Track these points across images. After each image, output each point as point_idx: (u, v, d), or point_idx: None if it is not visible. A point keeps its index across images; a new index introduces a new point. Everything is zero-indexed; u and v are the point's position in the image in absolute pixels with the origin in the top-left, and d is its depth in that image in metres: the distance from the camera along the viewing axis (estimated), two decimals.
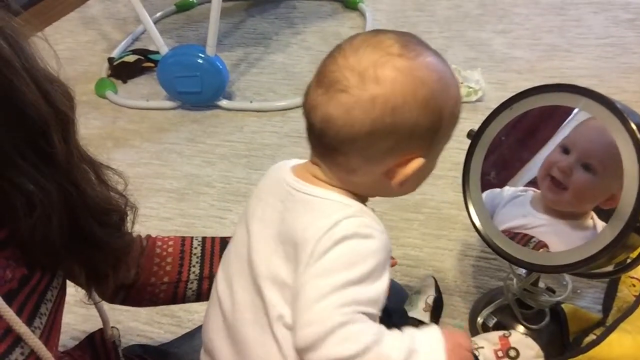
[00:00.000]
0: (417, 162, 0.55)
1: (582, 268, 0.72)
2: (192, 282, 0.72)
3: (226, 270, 0.61)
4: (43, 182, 0.46)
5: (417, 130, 0.53)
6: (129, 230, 0.60)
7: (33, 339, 0.46)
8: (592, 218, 0.79)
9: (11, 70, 0.43)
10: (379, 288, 0.52)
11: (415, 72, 0.52)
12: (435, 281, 0.89)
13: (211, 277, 0.73)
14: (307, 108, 0.55)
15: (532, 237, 0.80)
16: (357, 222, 0.53)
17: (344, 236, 0.51)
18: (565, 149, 0.79)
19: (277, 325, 0.53)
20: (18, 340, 0.45)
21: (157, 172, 1.47)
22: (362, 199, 0.59)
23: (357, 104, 0.51)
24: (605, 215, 0.72)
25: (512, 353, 0.71)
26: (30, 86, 0.44)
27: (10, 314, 0.44)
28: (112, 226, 0.56)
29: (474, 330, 0.96)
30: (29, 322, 0.47)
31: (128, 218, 0.59)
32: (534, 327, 0.90)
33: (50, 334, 0.51)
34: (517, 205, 0.84)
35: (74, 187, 0.49)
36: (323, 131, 0.54)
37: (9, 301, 0.44)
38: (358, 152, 0.53)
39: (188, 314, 1.07)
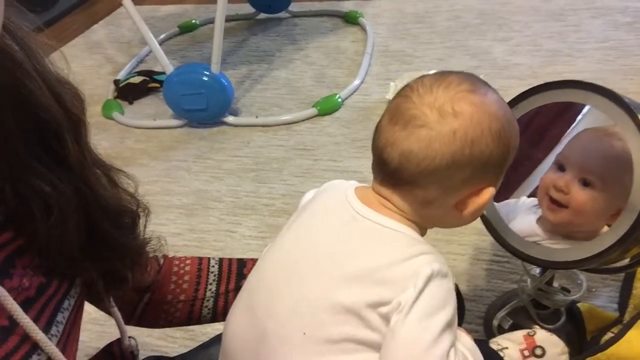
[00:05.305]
0: (489, 192, 0.57)
1: (595, 263, 0.72)
2: (208, 300, 0.72)
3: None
4: (58, 184, 0.46)
5: (491, 161, 0.56)
6: (142, 233, 0.60)
7: (50, 347, 0.45)
8: None
9: (24, 73, 0.43)
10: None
11: (487, 107, 0.56)
12: (457, 287, 0.88)
13: (227, 294, 0.73)
14: (381, 145, 0.57)
15: None
16: (435, 258, 0.55)
17: (431, 275, 0.52)
18: (560, 166, 0.78)
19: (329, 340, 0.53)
20: (35, 347, 0.45)
21: (166, 189, 1.48)
22: (424, 232, 0.60)
23: (438, 138, 0.54)
24: None
25: (538, 351, 0.70)
26: (42, 88, 0.44)
27: (27, 321, 0.44)
28: (126, 228, 0.57)
29: (490, 333, 0.96)
30: (46, 330, 0.46)
31: (141, 221, 0.59)
32: (550, 327, 0.89)
33: (67, 342, 0.50)
34: (528, 220, 0.83)
35: (88, 189, 0.49)
36: (402, 165, 0.55)
37: (25, 309, 0.44)
38: (437, 184, 0.55)
39: (202, 327, 1.06)
